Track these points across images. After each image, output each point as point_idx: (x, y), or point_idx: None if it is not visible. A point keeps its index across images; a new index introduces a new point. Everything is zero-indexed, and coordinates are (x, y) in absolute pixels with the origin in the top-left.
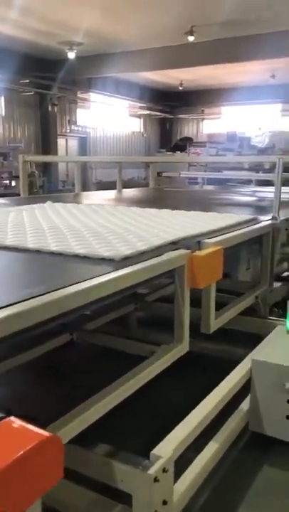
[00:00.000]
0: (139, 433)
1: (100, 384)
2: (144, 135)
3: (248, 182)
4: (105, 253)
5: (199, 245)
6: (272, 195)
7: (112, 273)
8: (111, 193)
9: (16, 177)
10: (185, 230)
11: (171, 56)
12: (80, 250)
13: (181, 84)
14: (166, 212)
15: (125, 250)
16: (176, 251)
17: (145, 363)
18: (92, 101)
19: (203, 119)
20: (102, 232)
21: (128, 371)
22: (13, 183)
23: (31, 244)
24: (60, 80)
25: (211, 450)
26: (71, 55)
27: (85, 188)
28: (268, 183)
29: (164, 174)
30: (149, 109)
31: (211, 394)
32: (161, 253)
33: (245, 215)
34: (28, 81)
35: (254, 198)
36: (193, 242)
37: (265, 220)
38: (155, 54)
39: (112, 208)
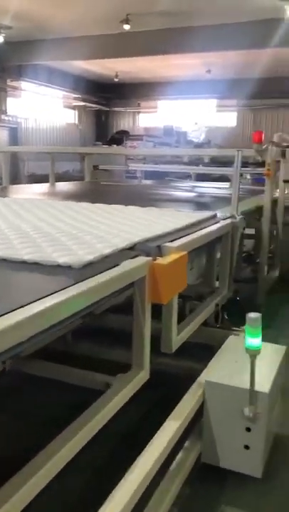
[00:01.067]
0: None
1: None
2: (79, 127)
3: (186, 176)
4: (60, 259)
5: (160, 250)
6: (214, 190)
7: (63, 292)
8: (43, 187)
9: None
10: (141, 230)
11: (107, 45)
12: (28, 256)
13: (116, 76)
14: (114, 208)
15: (86, 255)
16: (135, 259)
17: (99, 403)
18: (23, 89)
19: (139, 112)
20: (47, 231)
21: (77, 408)
22: None
23: None
24: None
25: (162, 493)
26: None
27: (17, 181)
28: (204, 177)
29: (101, 167)
30: (84, 100)
31: (155, 440)
32: (115, 262)
33: (204, 211)
34: None
35: (196, 194)
36: (152, 247)
37: (224, 218)
38: (90, 42)
39: (45, 204)
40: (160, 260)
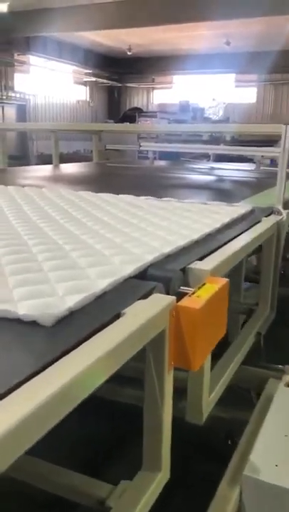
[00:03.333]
0: None
1: None
2: (91, 104)
3: (201, 156)
4: (20, 308)
5: (186, 277)
6: (237, 173)
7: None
8: (45, 169)
9: None
10: (154, 239)
11: (119, 13)
12: None
13: (129, 49)
14: (120, 199)
15: (62, 299)
16: (149, 300)
17: None
18: (31, 64)
19: (153, 88)
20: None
21: None
22: None
23: None
24: None
25: None
26: (3, 7)
27: (25, 161)
28: (222, 158)
29: (108, 146)
30: (95, 75)
31: None
32: (114, 308)
33: (236, 205)
34: None
35: (217, 178)
36: (174, 273)
37: (266, 215)
38: (101, 10)
39: (38, 192)
40: (189, 301)
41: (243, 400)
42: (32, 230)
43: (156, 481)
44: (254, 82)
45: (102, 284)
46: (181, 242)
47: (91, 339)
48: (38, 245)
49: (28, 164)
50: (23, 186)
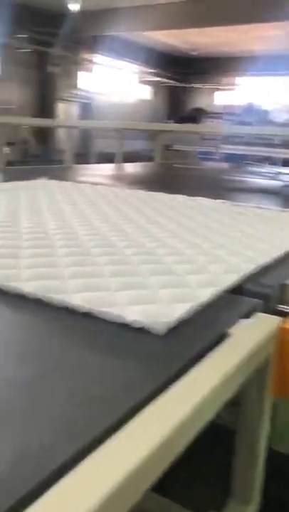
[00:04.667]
0: None
1: None
2: (153, 104)
3: (266, 160)
4: (129, 314)
5: (281, 292)
6: None
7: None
8: (111, 168)
9: (10, 143)
10: (242, 247)
11: (186, 13)
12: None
13: (194, 50)
14: (199, 202)
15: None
16: (253, 320)
17: None
18: (97, 63)
19: (216, 89)
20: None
21: None
22: (7, 150)
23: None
24: (62, 37)
25: None
26: (74, 6)
27: (87, 159)
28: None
29: (175, 147)
30: (158, 75)
31: None
32: (215, 327)
33: None
34: (26, 36)
35: None
36: (272, 290)
37: None
38: (169, 10)
39: (114, 192)
40: None
41: None
42: (118, 231)
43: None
44: None
45: (205, 294)
46: (277, 252)
47: (205, 360)
48: (129, 247)
49: (88, 162)
50: (96, 185)
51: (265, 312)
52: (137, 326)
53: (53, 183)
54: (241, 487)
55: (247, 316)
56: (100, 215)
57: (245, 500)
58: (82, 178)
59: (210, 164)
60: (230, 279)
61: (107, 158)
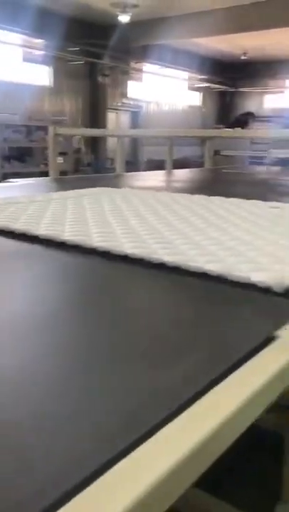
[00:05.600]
0: None
1: None
2: (203, 109)
3: None
4: (253, 275)
5: None
6: None
7: None
8: (159, 175)
9: (63, 153)
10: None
11: (235, 18)
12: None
13: (244, 54)
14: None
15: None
16: None
17: None
18: (146, 72)
19: (266, 92)
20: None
21: None
22: (61, 160)
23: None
24: (112, 48)
25: None
26: (124, 18)
27: (136, 167)
28: None
29: (224, 152)
30: (208, 81)
31: None
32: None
33: None
34: (77, 49)
35: None
36: None
37: None
38: (217, 16)
39: (168, 199)
40: None
41: None
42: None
43: None
44: None
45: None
46: None
47: (250, 362)
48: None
49: (138, 170)
50: (157, 191)
51: None
52: (262, 285)
53: (119, 190)
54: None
55: None
56: (175, 215)
57: None
58: (145, 184)
59: (259, 168)
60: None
61: (156, 165)
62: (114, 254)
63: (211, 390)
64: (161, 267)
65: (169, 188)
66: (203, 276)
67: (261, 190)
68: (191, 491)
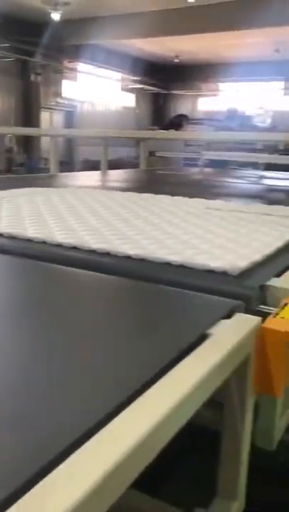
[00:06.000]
0: None
1: None
2: (137, 111)
3: (249, 165)
4: (211, 262)
5: (264, 295)
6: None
7: None
8: (93, 176)
9: None
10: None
11: (169, 21)
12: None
13: (177, 57)
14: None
15: (236, 260)
16: (233, 320)
17: None
18: (80, 71)
19: (199, 95)
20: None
21: None
22: None
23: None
24: (45, 46)
25: None
26: (55, 16)
27: (71, 167)
28: (270, 166)
29: (158, 153)
30: (142, 82)
31: None
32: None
33: None
34: (8, 45)
35: (278, 187)
36: (252, 291)
37: None
38: (150, 18)
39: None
40: (275, 322)
41: None
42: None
43: (232, 511)
44: None
45: (256, 257)
46: (255, 255)
47: (185, 360)
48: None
49: (73, 170)
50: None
51: (246, 313)
52: (219, 270)
53: (54, 190)
54: (226, 485)
55: (228, 316)
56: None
57: (231, 497)
58: (76, 184)
59: (193, 170)
60: (257, 256)
61: (91, 165)
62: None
63: (145, 392)
64: (100, 269)
65: (106, 187)
66: (139, 276)
67: (197, 190)
68: (129, 493)
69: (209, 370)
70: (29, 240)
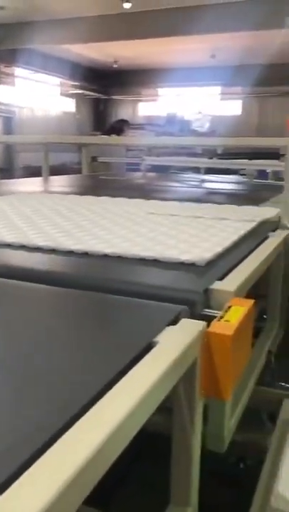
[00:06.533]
0: None
1: None
2: (77, 116)
3: (190, 169)
4: (181, 256)
5: (208, 299)
6: (232, 185)
7: None
8: (34, 182)
9: None
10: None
11: (106, 27)
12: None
13: (115, 62)
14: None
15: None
16: (179, 326)
17: None
18: (17, 76)
19: (139, 100)
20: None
21: None
22: None
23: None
24: None
25: None
26: None
27: (11, 174)
28: (210, 170)
29: (100, 159)
30: (81, 88)
31: None
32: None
33: (244, 220)
34: None
35: (219, 190)
36: (197, 295)
37: (271, 229)
38: (88, 24)
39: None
40: (219, 326)
41: (252, 421)
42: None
43: None
44: (239, 94)
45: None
46: (196, 258)
47: (132, 370)
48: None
49: (12, 177)
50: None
51: (192, 317)
52: (188, 262)
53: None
54: (179, 491)
55: (173, 322)
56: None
57: (184, 503)
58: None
59: (136, 175)
60: (218, 249)
61: (32, 172)
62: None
63: (91, 408)
64: (45, 281)
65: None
66: (85, 286)
67: (146, 194)
68: (82, 509)
69: (156, 379)
70: None
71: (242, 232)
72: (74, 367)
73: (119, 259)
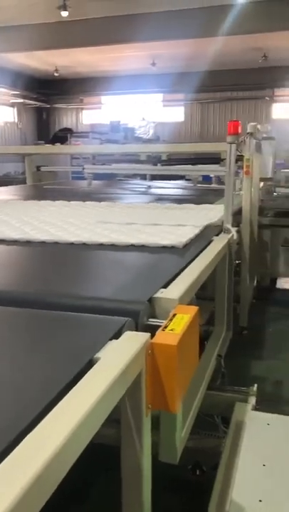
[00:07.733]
0: None
1: None
2: (19, 126)
3: (136, 175)
4: (163, 241)
5: (153, 308)
6: (180, 191)
7: None
8: None
9: None
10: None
11: (45, 35)
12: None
13: (56, 71)
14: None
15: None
16: (122, 340)
17: None
18: None
19: (82, 108)
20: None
21: None
22: None
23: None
24: None
25: None
26: None
27: None
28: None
29: (44, 169)
30: (23, 97)
31: None
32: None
33: (188, 225)
34: None
35: (165, 195)
36: (142, 305)
37: (216, 234)
38: (26, 32)
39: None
40: (164, 336)
41: (206, 425)
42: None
43: None
44: (181, 101)
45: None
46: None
47: (75, 389)
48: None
49: None
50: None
51: (136, 328)
52: (169, 246)
53: None
54: (132, 503)
55: (116, 335)
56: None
57: None
58: None
59: (81, 183)
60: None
61: None
62: None
63: (32, 431)
64: None
65: None
66: (25, 303)
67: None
68: None
69: (98, 396)
70: None
71: (190, 236)
72: (11, 389)
73: (60, 271)
